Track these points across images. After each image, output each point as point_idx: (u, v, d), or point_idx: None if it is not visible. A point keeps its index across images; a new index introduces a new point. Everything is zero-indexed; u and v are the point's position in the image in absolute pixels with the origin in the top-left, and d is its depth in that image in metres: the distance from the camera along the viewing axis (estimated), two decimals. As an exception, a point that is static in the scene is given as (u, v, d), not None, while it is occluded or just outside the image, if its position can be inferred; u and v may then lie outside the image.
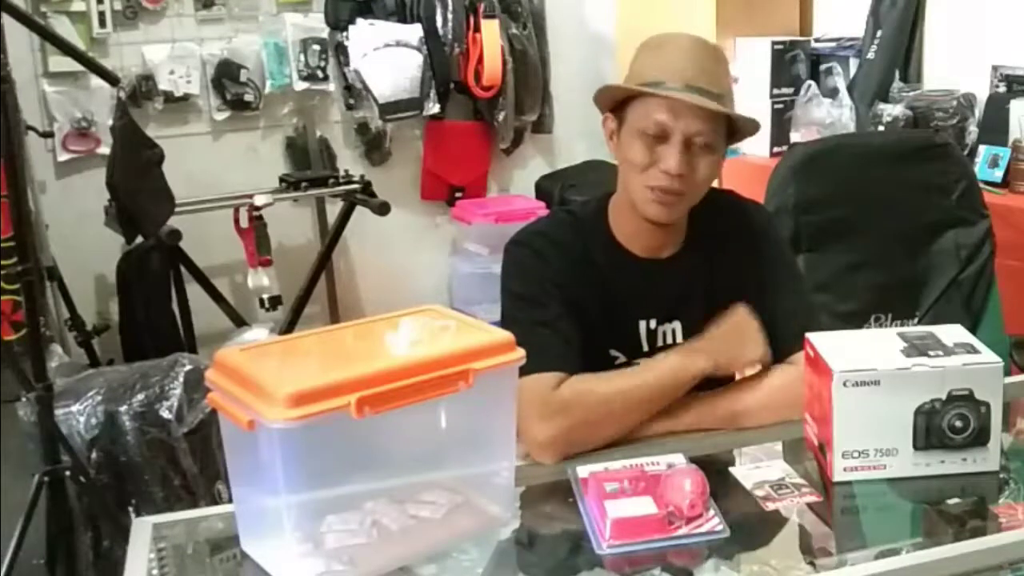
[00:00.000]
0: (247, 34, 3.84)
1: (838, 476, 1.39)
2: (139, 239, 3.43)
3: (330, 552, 1.20)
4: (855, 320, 2.28)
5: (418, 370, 1.18)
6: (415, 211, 4.26)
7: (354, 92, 3.92)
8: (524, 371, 1.31)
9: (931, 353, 1.39)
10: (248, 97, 3.84)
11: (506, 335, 1.28)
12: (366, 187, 3.79)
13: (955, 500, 1.35)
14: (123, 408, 2.39)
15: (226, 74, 3.81)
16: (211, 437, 2.42)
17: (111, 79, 2.76)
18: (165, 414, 2.40)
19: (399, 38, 3.88)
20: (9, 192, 2.20)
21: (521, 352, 1.28)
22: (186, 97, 3.76)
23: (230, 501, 1.33)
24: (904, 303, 2.38)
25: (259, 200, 3.61)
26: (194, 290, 3.63)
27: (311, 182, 3.80)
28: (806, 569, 1.26)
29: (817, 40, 3.82)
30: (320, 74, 3.93)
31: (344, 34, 3.87)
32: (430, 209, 4.31)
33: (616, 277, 1.67)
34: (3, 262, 2.72)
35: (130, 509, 2.38)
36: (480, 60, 3.99)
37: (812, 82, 3.66)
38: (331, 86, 3.96)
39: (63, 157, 3.64)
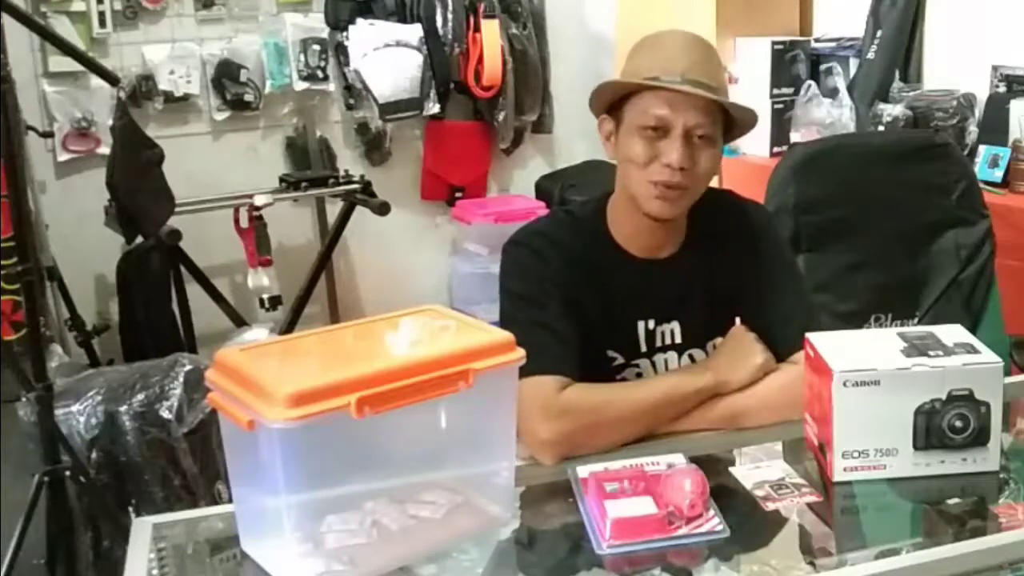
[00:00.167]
0: (247, 34, 3.85)
1: (838, 476, 1.39)
2: (139, 239, 3.44)
3: (330, 552, 1.20)
4: (855, 320, 2.28)
5: (418, 370, 1.18)
6: (415, 211, 4.26)
7: (354, 92, 3.92)
8: (523, 372, 1.31)
9: (931, 353, 1.39)
10: (248, 97, 3.84)
11: (506, 335, 1.28)
12: (366, 187, 3.80)
13: (955, 500, 1.35)
14: (123, 408, 2.39)
15: (226, 74, 3.81)
16: (211, 437, 2.42)
17: (111, 79, 2.77)
18: (165, 414, 2.40)
19: (399, 38, 3.88)
20: (9, 192, 2.20)
21: (521, 352, 1.28)
22: (186, 97, 3.77)
23: (230, 501, 1.33)
24: (904, 303, 2.38)
25: (259, 200, 3.61)
26: (194, 290, 3.64)
27: (311, 182, 3.80)
28: (806, 569, 1.26)
29: (817, 40, 3.82)
30: (320, 74, 3.93)
31: (344, 34, 3.87)
32: (430, 209, 4.31)
33: (615, 277, 1.67)
34: (3, 262, 2.72)
35: (130, 509, 2.38)
36: (480, 60, 3.99)
37: (812, 82, 3.66)
38: (331, 86, 3.96)
39: (63, 157, 3.64)
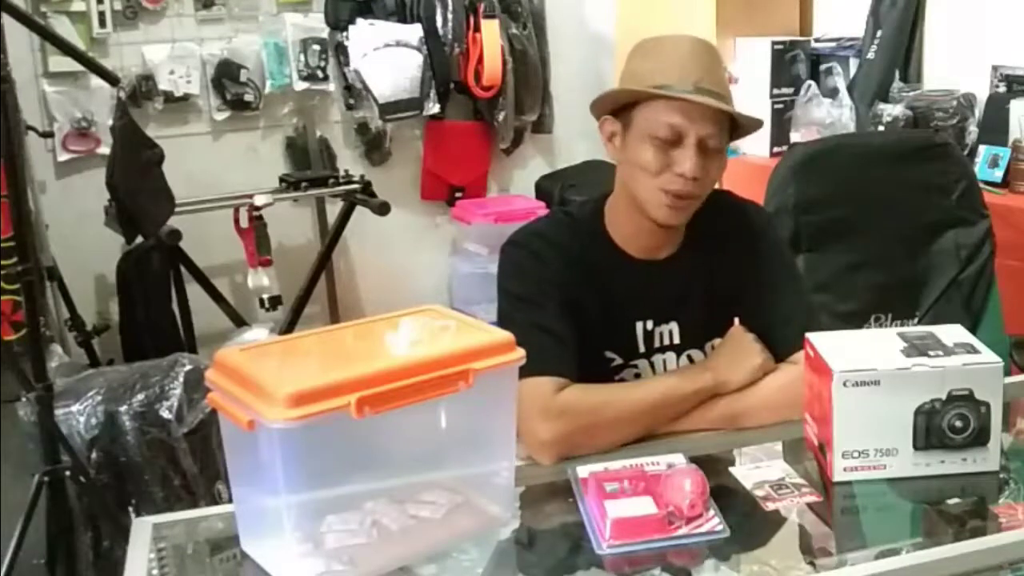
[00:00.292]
0: (247, 34, 3.85)
1: (838, 476, 1.39)
2: (139, 239, 3.44)
3: (330, 552, 1.20)
4: (855, 320, 2.28)
5: (418, 370, 1.18)
6: (415, 211, 4.26)
7: (354, 92, 3.92)
8: (521, 373, 1.31)
9: (931, 353, 1.39)
10: (248, 97, 3.84)
11: (506, 335, 1.28)
12: (366, 187, 3.80)
13: (955, 500, 1.35)
14: (123, 408, 2.39)
15: (226, 74, 3.81)
16: (211, 437, 2.42)
17: (111, 79, 2.77)
18: (165, 414, 2.40)
19: (399, 38, 3.88)
20: (9, 192, 2.20)
21: (521, 352, 1.28)
22: (186, 97, 3.77)
23: (230, 501, 1.33)
24: (904, 303, 2.38)
25: (259, 200, 3.61)
26: (194, 290, 3.64)
27: (311, 182, 3.80)
28: (806, 569, 1.26)
29: (817, 40, 3.82)
30: (320, 74, 3.93)
31: (344, 34, 3.87)
32: (430, 209, 4.31)
33: (613, 278, 1.67)
34: (3, 262, 2.72)
35: (130, 509, 2.38)
36: (480, 60, 3.99)
37: (812, 82, 3.66)
38: (331, 86, 3.96)
39: (63, 157, 3.64)
